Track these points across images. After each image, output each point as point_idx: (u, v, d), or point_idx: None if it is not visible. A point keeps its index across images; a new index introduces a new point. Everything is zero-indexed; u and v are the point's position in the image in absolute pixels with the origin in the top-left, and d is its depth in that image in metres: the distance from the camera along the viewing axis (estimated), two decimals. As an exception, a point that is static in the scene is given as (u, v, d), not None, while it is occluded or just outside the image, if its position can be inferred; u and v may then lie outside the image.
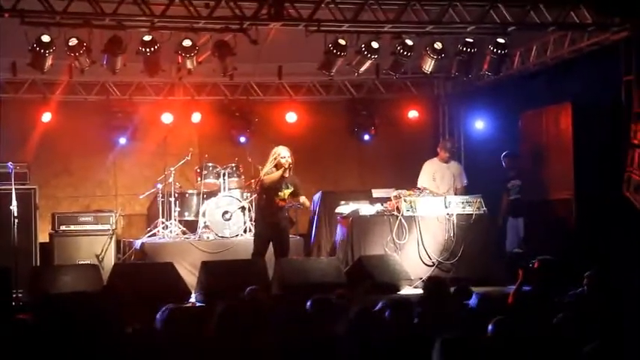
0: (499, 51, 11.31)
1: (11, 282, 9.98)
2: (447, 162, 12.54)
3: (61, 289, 9.74)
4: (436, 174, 12.39)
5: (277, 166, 10.76)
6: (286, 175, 10.75)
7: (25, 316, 5.85)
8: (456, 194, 12.15)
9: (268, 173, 10.79)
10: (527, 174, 12.64)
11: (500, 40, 11.23)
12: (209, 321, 5.61)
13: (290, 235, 12.43)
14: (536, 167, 12.49)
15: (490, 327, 5.33)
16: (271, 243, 10.89)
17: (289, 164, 10.72)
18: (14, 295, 10.05)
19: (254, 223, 11.21)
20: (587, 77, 11.87)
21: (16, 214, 11.15)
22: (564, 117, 11.84)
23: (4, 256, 11.12)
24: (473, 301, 7.11)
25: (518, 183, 12.70)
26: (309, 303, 6.05)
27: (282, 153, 10.78)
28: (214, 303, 7.09)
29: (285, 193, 10.84)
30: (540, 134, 12.34)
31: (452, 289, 7.75)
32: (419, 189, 11.99)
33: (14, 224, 11.15)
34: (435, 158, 12.72)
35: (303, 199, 11.16)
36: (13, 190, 11.28)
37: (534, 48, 12.61)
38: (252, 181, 12.02)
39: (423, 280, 10.90)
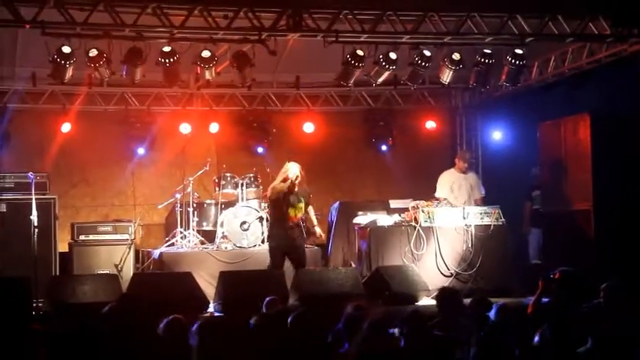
0: (517, 62, 11.31)
1: (31, 291, 10.07)
2: (464, 172, 12.49)
3: (80, 299, 9.79)
4: (454, 185, 12.35)
5: (284, 180, 10.77)
6: (294, 188, 10.71)
7: (40, 326, 5.88)
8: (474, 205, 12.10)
9: (276, 184, 10.82)
10: (545, 185, 12.61)
11: (519, 51, 11.24)
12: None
13: (307, 245, 12.47)
14: (554, 178, 12.45)
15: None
16: (287, 256, 10.89)
17: (296, 177, 10.68)
18: (34, 305, 10.11)
19: (269, 238, 11.18)
20: (606, 88, 11.85)
21: (36, 224, 11.20)
22: (582, 128, 11.80)
23: (25, 265, 11.18)
24: (492, 313, 7.07)
25: (539, 193, 12.70)
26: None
27: (291, 169, 10.80)
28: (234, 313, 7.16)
29: (299, 207, 10.84)
30: (559, 145, 12.29)
31: (470, 300, 7.73)
32: (437, 199, 11.96)
33: (34, 234, 11.20)
34: (453, 169, 12.70)
35: (318, 231, 11.28)
36: (34, 199, 11.34)
37: (552, 59, 12.62)
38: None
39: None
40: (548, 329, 5.77)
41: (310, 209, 11.19)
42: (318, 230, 11.31)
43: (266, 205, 12.15)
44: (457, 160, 12.74)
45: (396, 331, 5.91)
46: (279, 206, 10.82)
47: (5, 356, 5.66)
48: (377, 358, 5.34)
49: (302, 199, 10.88)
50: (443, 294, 7.56)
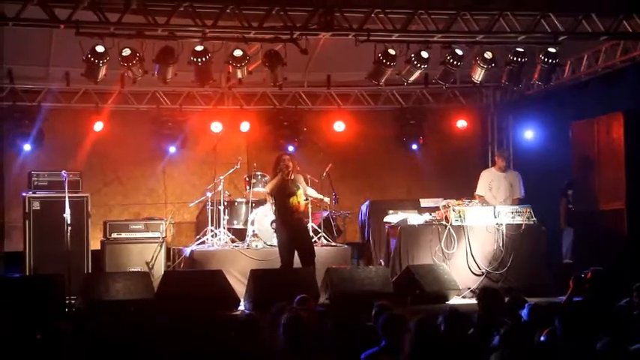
0: (550, 60, 11.25)
1: (64, 288, 10.18)
2: (504, 171, 12.36)
3: (113, 296, 9.88)
4: (492, 183, 12.24)
5: (277, 172, 10.93)
6: (288, 177, 10.80)
7: (66, 325, 5.95)
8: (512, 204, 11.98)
9: (268, 181, 10.96)
10: (578, 184, 12.53)
11: (551, 50, 11.17)
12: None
13: (337, 244, 12.50)
14: (587, 177, 12.37)
15: None
16: (296, 251, 10.91)
17: (286, 167, 10.78)
18: (67, 301, 10.22)
19: (276, 234, 11.21)
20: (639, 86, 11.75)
21: (69, 222, 11.31)
22: (616, 127, 11.71)
23: (58, 262, 11.30)
24: (524, 312, 7.04)
25: (571, 192, 12.63)
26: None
27: (282, 162, 10.92)
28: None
29: (299, 195, 10.89)
30: (591, 144, 12.21)
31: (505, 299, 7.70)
32: (468, 198, 11.88)
33: (67, 231, 11.31)
34: (493, 167, 12.62)
35: (320, 196, 11.47)
36: (67, 197, 11.45)
37: (585, 57, 12.53)
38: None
39: (471, 290, 10.88)
40: (559, 326, 5.72)
41: (310, 191, 11.30)
42: (321, 196, 11.45)
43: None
44: (496, 159, 12.66)
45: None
46: (279, 198, 10.90)
47: (34, 352, 5.72)
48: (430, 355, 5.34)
49: (299, 185, 10.95)
50: (485, 293, 7.53)
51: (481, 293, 7.63)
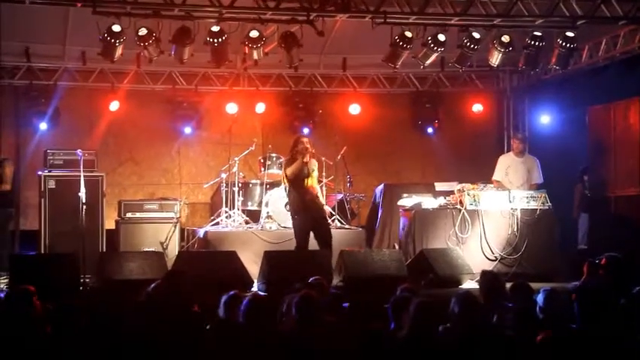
0: (568, 45, 11.17)
1: (79, 267, 10.23)
2: (521, 156, 12.25)
3: (126, 276, 9.91)
4: (509, 168, 12.13)
5: (293, 156, 10.84)
6: (306, 160, 10.75)
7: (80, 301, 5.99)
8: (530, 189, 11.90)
9: (289, 164, 10.84)
10: (594, 169, 12.47)
11: (569, 34, 11.09)
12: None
13: (351, 227, 12.49)
14: (603, 163, 12.31)
15: None
16: (313, 232, 10.90)
17: (306, 149, 10.73)
18: (82, 280, 10.27)
19: (292, 217, 11.16)
20: (658, 72, 11.68)
21: (84, 201, 11.35)
22: (633, 112, 11.65)
23: (72, 241, 11.35)
24: (540, 297, 7.00)
25: (587, 178, 12.57)
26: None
27: (298, 144, 10.83)
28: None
29: (314, 177, 10.90)
30: (608, 129, 12.15)
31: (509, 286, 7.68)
32: (483, 183, 11.81)
33: (82, 210, 11.35)
34: (511, 152, 12.51)
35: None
36: (82, 176, 11.48)
37: (604, 42, 12.44)
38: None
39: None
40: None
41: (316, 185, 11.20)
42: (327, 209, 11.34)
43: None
44: (513, 142, 12.53)
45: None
46: (296, 180, 10.84)
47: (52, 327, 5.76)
48: (426, 339, 5.35)
49: (313, 168, 10.93)
50: (484, 277, 7.52)
51: (481, 277, 7.61)
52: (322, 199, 11.27)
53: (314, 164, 11.02)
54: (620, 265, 7.99)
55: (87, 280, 10.46)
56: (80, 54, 13.21)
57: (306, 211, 10.85)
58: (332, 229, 12.05)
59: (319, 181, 11.77)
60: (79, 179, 11.44)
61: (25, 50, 13.11)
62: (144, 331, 5.77)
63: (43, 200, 12.03)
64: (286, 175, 10.95)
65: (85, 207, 11.35)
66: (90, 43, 11.76)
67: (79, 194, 11.37)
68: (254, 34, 10.78)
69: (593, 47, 12.72)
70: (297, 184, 10.89)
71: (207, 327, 6.04)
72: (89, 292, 9.95)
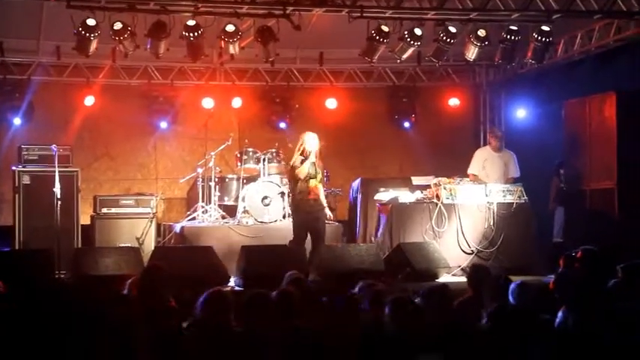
0: (543, 39, 11.20)
1: (54, 263, 10.15)
2: (498, 151, 12.30)
3: (102, 272, 9.83)
4: (486, 162, 12.16)
5: (303, 153, 10.62)
6: (313, 159, 10.61)
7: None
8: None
9: (297, 163, 10.61)
10: (570, 163, 12.52)
11: (545, 28, 11.12)
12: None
13: (328, 222, 12.45)
14: (578, 157, 12.36)
15: None
16: (309, 231, 10.85)
17: (317, 151, 10.57)
18: (56, 276, 10.19)
19: (293, 213, 11.09)
20: (632, 66, 11.73)
21: (59, 196, 11.27)
22: (608, 106, 11.68)
23: (47, 237, 11.28)
24: (510, 290, 7.03)
25: (563, 172, 12.61)
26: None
27: (309, 141, 10.59)
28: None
29: (319, 178, 10.73)
30: (583, 123, 12.19)
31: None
32: (460, 177, 11.85)
33: (57, 206, 11.27)
34: (487, 146, 12.55)
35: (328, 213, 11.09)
36: (57, 172, 11.40)
37: (579, 36, 12.49)
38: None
39: (462, 269, 10.89)
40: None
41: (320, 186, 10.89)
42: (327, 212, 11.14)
43: (287, 180, 12.12)
44: (489, 138, 12.58)
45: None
46: (302, 183, 10.64)
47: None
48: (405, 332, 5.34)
49: (318, 170, 10.67)
50: (474, 271, 7.53)
51: (471, 271, 7.63)
52: (324, 201, 11.01)
53: (320, 167, 10.75)
54: (596, 259, 8.01)
55: (62, 276, 10.38)
56: (55, 48, 13.09)
57: (305, 213, 10.68)
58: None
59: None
60: (54, 175, 11.37)
61: (-1, 44, 13.00)
62: (120, 327, 5.72)
63: (17, 196, 11.94)
64: (294, 175, 10.66)
65: (60, 202, 11.27)
66: (64, 37, 11.67)
67: (54, 190, 11.31)
68: (230, 28, 10.73)
69: (568, 41, 12.77)
70: (299, 184, 10.63)
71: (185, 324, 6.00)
72: (63, 287, 9.86)
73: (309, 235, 10.77)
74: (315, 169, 10.65)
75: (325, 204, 10.99)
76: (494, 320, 5.50)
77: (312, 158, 10.55)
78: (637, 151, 11.21)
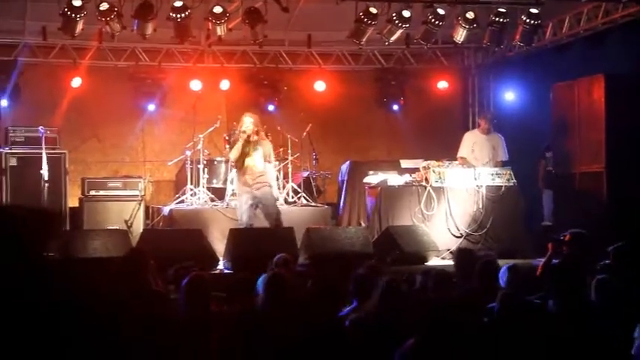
0: (532, 21, 11.20)
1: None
2: (487, 133, 12.30)
3: (90, 254, 9.79)
4: (475, 145, 12.18)
5: (236, 135, 10.72)
6: (251, 139, 10.58)
7: None
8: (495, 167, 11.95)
9: (231, 146, 10.76)
10: (558, 146, 12.53)
11: (533, 11, 11.11)
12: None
13: (317, 204, 12.47)
14: (566, 140, 12.37)
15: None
16: (260, 210, 10.80)
17: (247, 134, 10.54)
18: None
19: (237, 196, 11.06)
20: (621, 49, 11.71)
21: (46, 179, 11.22)
22: (597, 89, 11.67)
23: (35, 219, 11.18)
24: (501, 273, 7.04)
25: (550, 155, 12.64)
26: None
27: (245, 121, 10.67)
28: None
29: (254, 157, 10.66)
30: (572, 106, 12.18)
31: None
32: (448, 160, 11.85)
33: (44, 188, 11.21)
34: (476, 129, 12.57)
35: (274, 191, 11.06)
36: (44, 154, 11.34)
37: (567, 19, 12.48)
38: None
39: (450, 252, 10.90)
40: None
41: (268, 165, 10.89)
42: (274, 191, 11.12)
43: (277, 162, 12.10)
44: (479, 120, 12.64)
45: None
46: (239, 163, 10.71)
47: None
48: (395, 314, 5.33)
49: (258, 148, 10.69)
50: (460, 254, 7.54)
51: (456, 254, 7.64)
52: (272, 180, 11.04)
53: (261, 146, 10.74)
54: (584, 241, 8.02)
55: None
56: (41, 29, 12.97)
57: (245, 192, 10.68)
58: (298, 207, 12.06)
59: (283, 160, 11.70)
60: (41, 157, 11.29)
61: (-16, 25, 12.88)
62: (105, 309, 5.69)
63: (4, 178, 11.89)
64: (232, 160, 10.86)
65: (47, 185, 11.21)
66: (50, 17, 11.56)
67: (41, 172, 11.23)
68: (217, 9, 10.66)
69: (556, 24, 12.75)
70: (237, 163, 10.74)
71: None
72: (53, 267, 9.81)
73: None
74: (253, 149, 10.61)
75: (271, 182, 10.98)
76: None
77: (249, 138, 10.52)
78: (625, 134, 11.22)
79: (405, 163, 12.12)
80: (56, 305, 5.20)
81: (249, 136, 10.56)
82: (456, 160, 11.99)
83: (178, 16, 10.52)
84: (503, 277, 6.94)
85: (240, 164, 10.70)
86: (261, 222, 10.84)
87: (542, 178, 12.84)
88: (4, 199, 11.79)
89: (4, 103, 13.19)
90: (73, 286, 5.98)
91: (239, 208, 10.83)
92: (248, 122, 10.67)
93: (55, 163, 11.77)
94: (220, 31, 10.99)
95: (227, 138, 12.87)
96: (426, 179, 11.39)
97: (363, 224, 11.84)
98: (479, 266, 7.07)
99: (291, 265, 7.75)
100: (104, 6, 10.29)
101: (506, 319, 5.46)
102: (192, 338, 5.37)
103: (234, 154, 10.68)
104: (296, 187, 12.55)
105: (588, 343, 5.29)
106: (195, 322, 5.44)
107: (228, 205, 12.12)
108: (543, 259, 8.23)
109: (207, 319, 5.49)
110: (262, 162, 10.72)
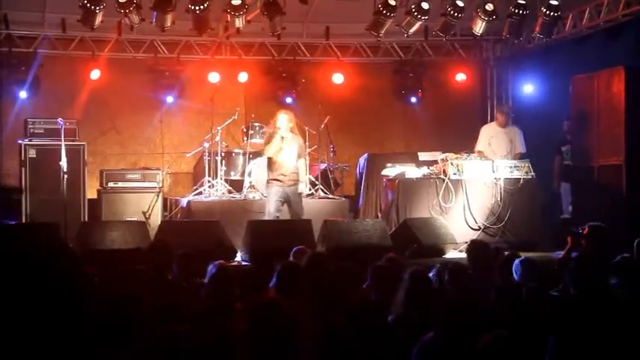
0: (552, 13, 11.16)
1: (60, 236, 10.15)
2: (504, 126, 12.25)
3: (108, 245, 9.84)
4: (492, 138, 12.13)
5: (274, 131, 10.76)
6: (285, 135, 10.66)
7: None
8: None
9: (267, 142, 10.82)
10: (577, 139, 12.46)
11: (554, 2, 11.07)
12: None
13: (334, 197, 12.47)
14: (586, 132, 12.30)
15: None
16: (287, 205, 10.86)
17: (289, 127, 10.63)
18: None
19: (267, 186, 11.10)
20: (642, 41, 11.64)
21: (65, 170, 11.27)
22: (616, 81, 11.58)
23: (54, 210, 11.29)
24: (514, 267, 7.01)
25: (569, 148, 12.57)
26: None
27: (280, 119, 10.73)
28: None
29: (287, 154, 10.74)
30: (591, 99, 12.10)
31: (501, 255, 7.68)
32: (467, 152, 11.80)
33: (63, 179, 11.27)
34: (493, 122, 12.53)
35: (302, 186, 11.07)
36: (63, 145, 11.39)
37: (587, 11, 12.39)
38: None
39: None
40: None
41: (301, 161, 10.99)
42: (302, 187, 11.15)
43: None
44: (497, 114, 12.57)
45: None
46: (271, 159, 10.80)
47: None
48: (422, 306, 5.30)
49: (293, 145, 10.77)
50: (473, 247, 7.51)
51: (470, 247, 7.60)
52: (303, 176, 11.12)
53: (293, 141, 10.85)
54: (602, 234, 7.98)
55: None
56: (60, 21, 13.02)
57: (277, 186, 10.75)
58: (315, 199, 12.07)
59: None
60: (60, 148, 11.34)
61: (4, 17, 12.91)
62: (125, 301, 5.72)
63: (23, 169, 11.96)
64: (263, 151, 10.96)
65: (66, 176, 11.26)
66: (70, 10, 11.61)
67: (60, 163, 11.28)
68: (236, 1, 10.69)
69: (576, 16, 12.67)
70: (270, 159, 10.83)
71: None
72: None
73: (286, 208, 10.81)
74: (285, 144, 10.66)
75: (303, 179, 11.03)
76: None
77: (285, 134, 10.60)
78: (645, 127, 11.14)
79: (422, 156, 12.09)
80: (79, 291, 5.25)
81: (280, 137, 10.62)
82: (473, 152, 11.95)
83: (197, 8, 10.54)
84: (517, 271, 6.92)
85: (274, 160, 10.74)
86: (285, 217, 10.88)
87: (558, 175, 12.74)
88: (23, 191, 11.86)
89: (24, 95, 13.25)
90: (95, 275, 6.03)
91: (268, 198, 10.89)
92: (283, 119, 10.70)
93: (74, 154, 11.83)
94: (239, 23, 11.01)
95: (245, 130, 12.91)
96: (444, 172, 11.36)
97: (380, 217, 11.82)
98: (499, 262, 7.06)
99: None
100: (123, -2, 10.33)
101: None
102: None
103: (271, 150, 10.73)
104: (313, 180, 12.56)
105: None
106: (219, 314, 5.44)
107: (245, 197, 12.15)
108: (562, 252, 8.21)
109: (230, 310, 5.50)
110: (295, 158, 10.80)
